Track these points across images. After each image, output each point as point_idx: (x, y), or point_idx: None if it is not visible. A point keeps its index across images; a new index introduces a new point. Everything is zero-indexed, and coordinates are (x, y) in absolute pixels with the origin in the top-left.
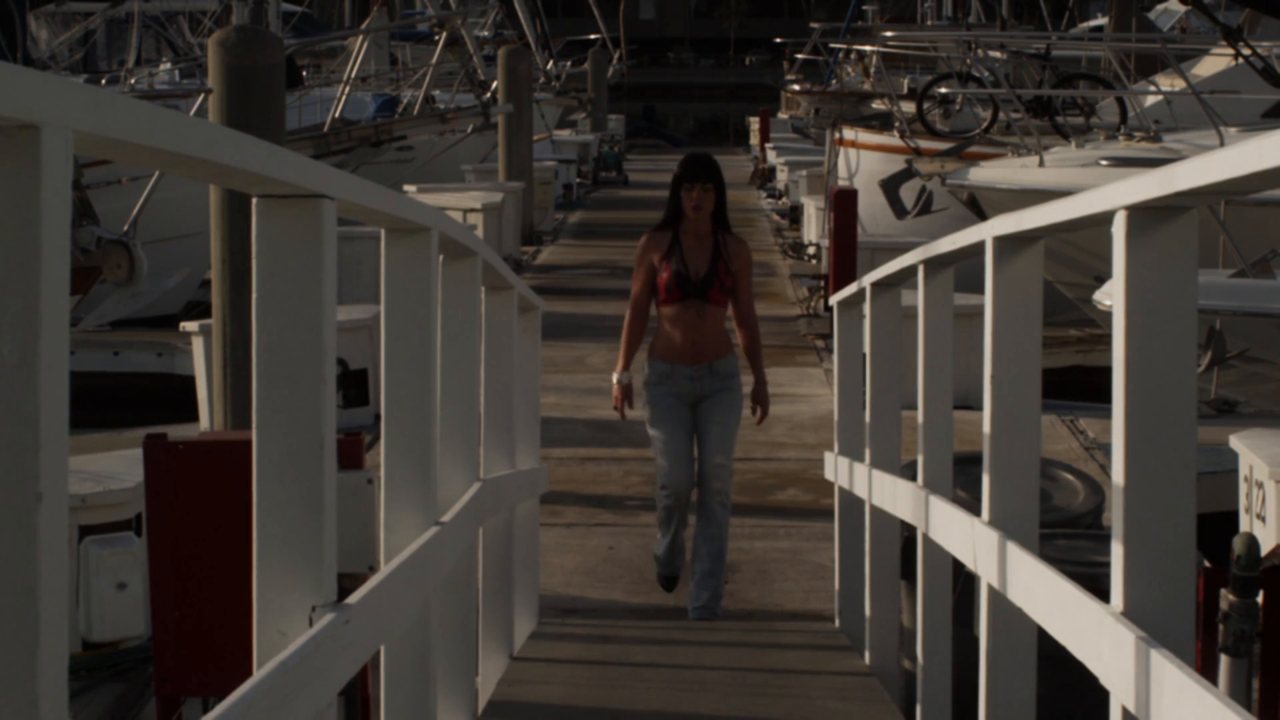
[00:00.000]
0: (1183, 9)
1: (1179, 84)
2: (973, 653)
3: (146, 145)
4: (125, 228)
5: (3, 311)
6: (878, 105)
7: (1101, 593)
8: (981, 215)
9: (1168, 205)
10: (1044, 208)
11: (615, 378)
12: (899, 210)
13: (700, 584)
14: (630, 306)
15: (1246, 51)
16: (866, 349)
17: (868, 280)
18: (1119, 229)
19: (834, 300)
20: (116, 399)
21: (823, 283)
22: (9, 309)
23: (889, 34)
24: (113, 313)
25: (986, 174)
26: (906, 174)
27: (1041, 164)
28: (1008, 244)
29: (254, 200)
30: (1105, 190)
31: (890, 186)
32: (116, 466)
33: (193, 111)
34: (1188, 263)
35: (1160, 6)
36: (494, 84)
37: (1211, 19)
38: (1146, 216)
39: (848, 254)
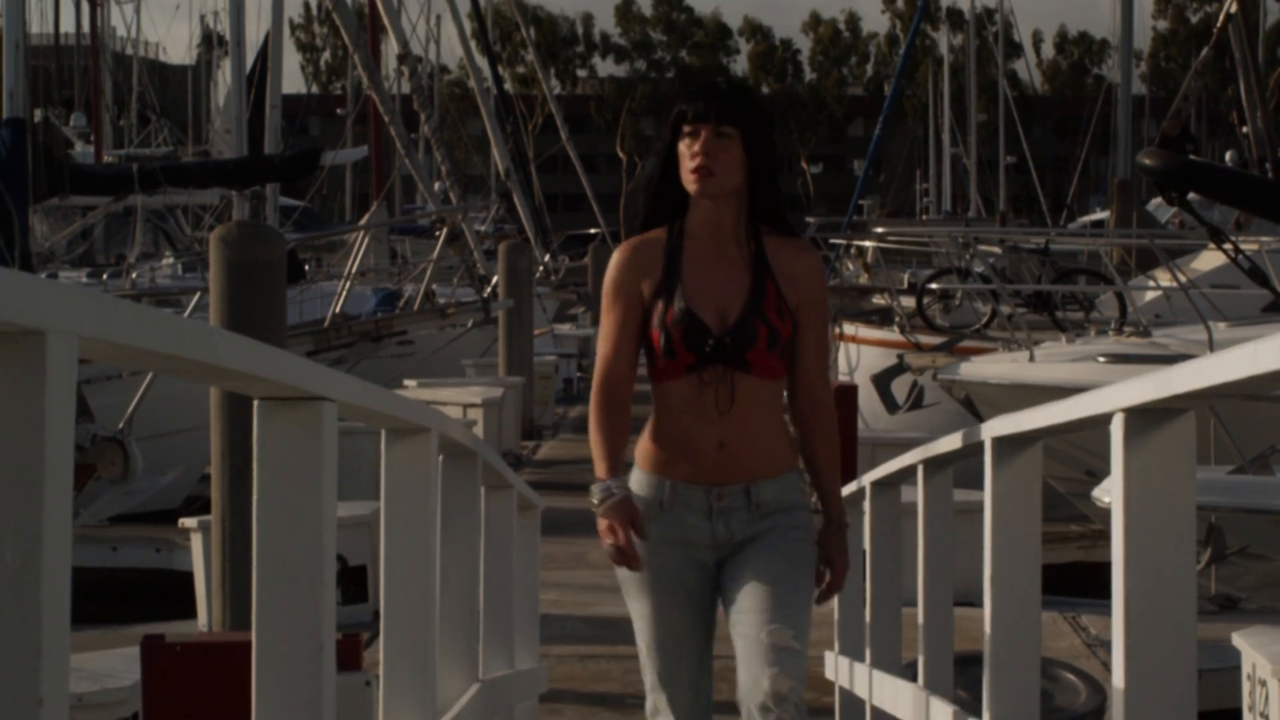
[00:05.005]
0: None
1: (1181, 278)
2: None
3: (150, 350)
4: (121, 425)
5: (5, 516)
6: (878, 300)
7: None
8: (975, 412)
9: (1165, 407)
10: (1043, 409)
11: (596, 492)
12: (890, 405)
13: None
14: (598, 382)
15: (1232, 251)
16: (866, 547)
17: (868, 479)
18: (1117, 430)
19: None
20: (114, 594)
21: None
22: (12, 514)
23: (886, 230)
24: (107, 510)
25: (977, 369)
26: (898, 369)
27: (1032, 359)
28: (1007, 444)
29: (255, 402)
30: (1103, 393)
31: (881, 381)
32: (114, 664)
33: (190, 309)
34: (1186, 463)
35: (1155, 201)
36: (494, 279)
37: (1197, 218)
38: (1144, 418)
39: (848, 450)
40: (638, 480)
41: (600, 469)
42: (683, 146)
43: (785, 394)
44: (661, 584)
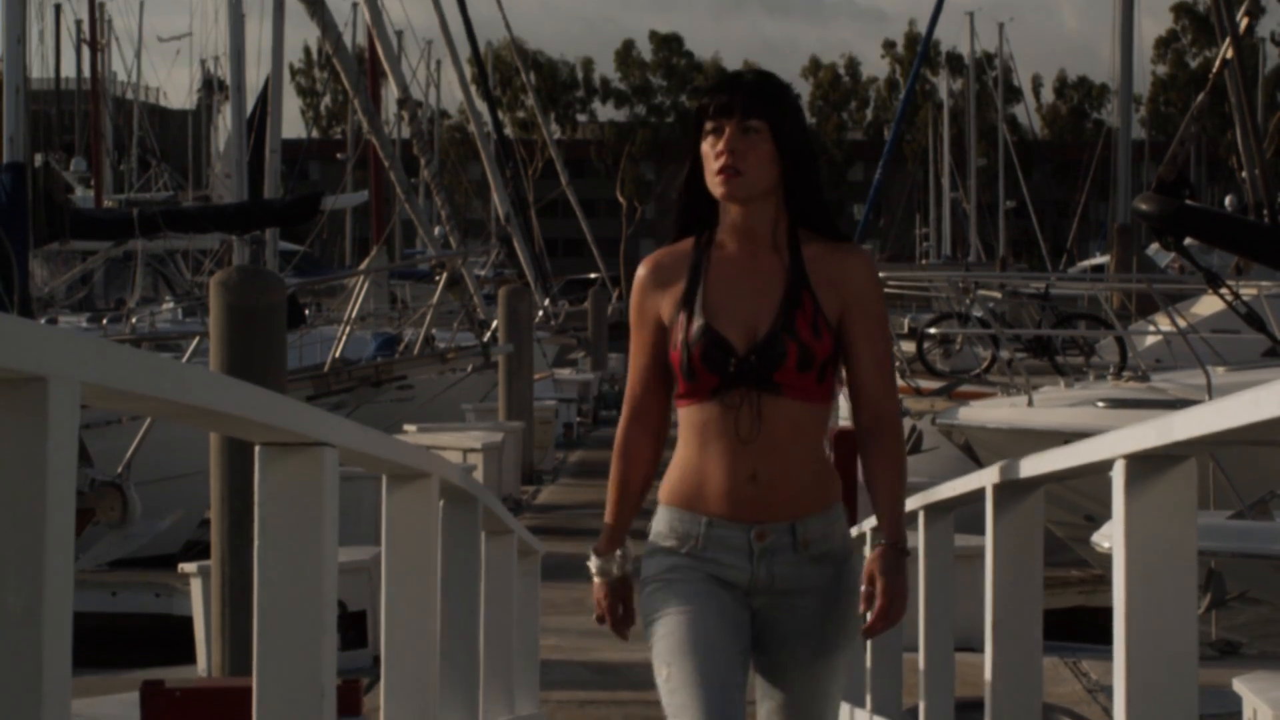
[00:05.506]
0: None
1: (1181, 323)
2: None
3: (152, 396)
4: (120, 469)
5: (7, 563)
6: None
7: None
8: (975, 457)
9: (1166, 454)
10: (1044, 455)
11: (594, 564)
12: None
13: None
14: (624, 415)
15: (1229, 296)
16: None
17: (868, 525)
18: (1118, 477)
19: None
20: (114, 639)
21: None
22: (14, 560)
23: (886, 275)
24: (105, 554)
25: (976, 414)
26: None
27: (1031, 404)
28: (1008, 491)
29: (256, 448)
30: (1105, 439)
31: None
32: (113, 710)
33: (189, 353)
34: (1186, 509)
35: (1155, 246)
36: (494, 323)
37: (1193, 263)
38: (1145, 464)
39: (849, 495)
40: (666, 520)
41: (604, 533)
42: (706, 147)
43: (830, 418)
44: (694, 602)
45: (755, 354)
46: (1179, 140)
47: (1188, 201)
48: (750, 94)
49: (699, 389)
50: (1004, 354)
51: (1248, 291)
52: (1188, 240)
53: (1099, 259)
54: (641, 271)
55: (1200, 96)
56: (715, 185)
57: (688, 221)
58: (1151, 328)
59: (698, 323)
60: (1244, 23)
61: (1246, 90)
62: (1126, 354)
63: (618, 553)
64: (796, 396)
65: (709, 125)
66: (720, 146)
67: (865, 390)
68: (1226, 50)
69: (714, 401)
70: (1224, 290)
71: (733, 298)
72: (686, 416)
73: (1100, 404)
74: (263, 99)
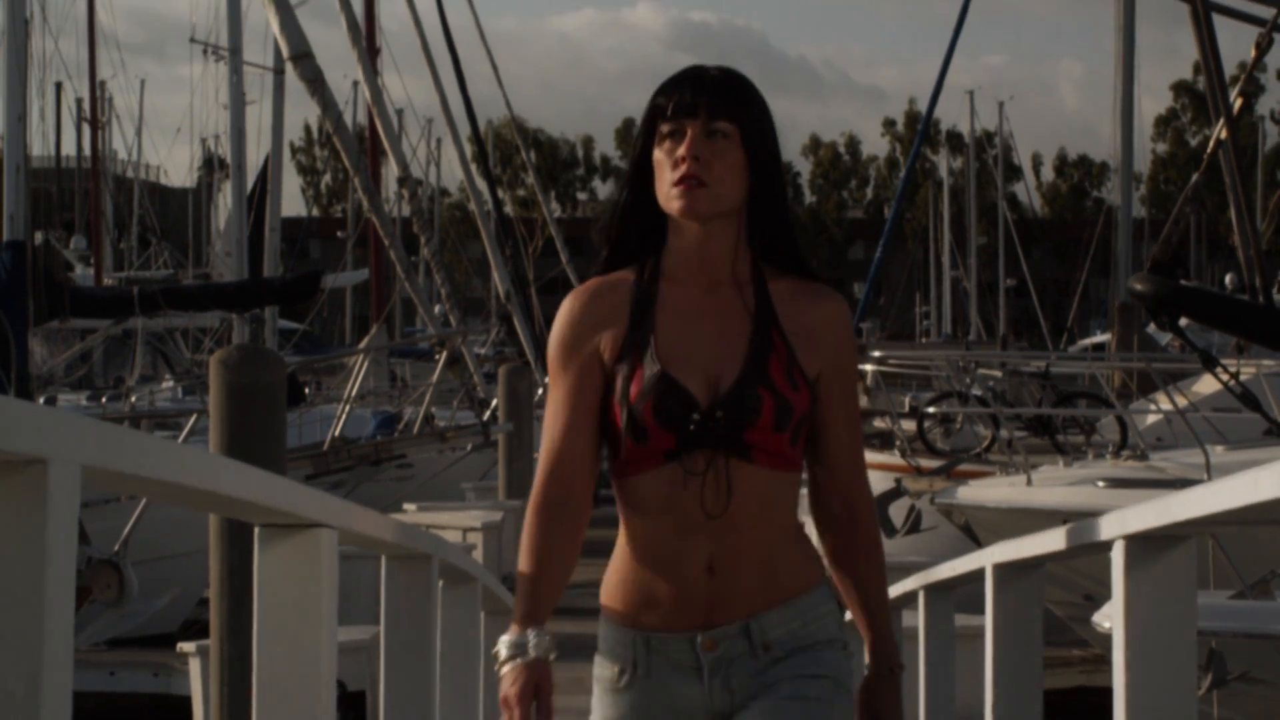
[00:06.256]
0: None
1: (1182, 401)
2: None
3: (152, 479)
4: (116, 547)
5: (7, 647)
6: (878, 424)
7: None
8: (974, 536)
9: (1165, 535)
10: (1044, 535)
11: (502, 649)
12: (888, 530)
13: None
14: (538, 481)
15: (1224, 377)
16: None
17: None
18: (1118, 557)
19: None
20: (112, 719)
21: None
22: (13, 644)
23: (886, 354)
24: (102, 633)
25: (974, 493)
26: (895, 493)
27: (1029, 483)
28: (1008, 571)
29: (256, 529)
30: (1104, 520)
31: (879, 505)
32: None
33: (185, 432)
34: (1187, 590)
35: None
36: (494, 402)
37: (1189, 343)
38: (1145, 545)
39: None
40: (605, 638)
41: (517, 612)
42: (660, 154)
43: (805, 492)
44: None
45: (722, 407)
46: (1173, 220)
47: (1183, 281)
48: (719, 91)
49: (647, 454)
50: (1004, 433)
51: (1248, 370)
52: (1183, 320)
53: (1100, 337)
54: (570, 304)
55: (1195, 177)
56: (671, 199)
57: (625, 247)
58: (1152, 406)
59: (650, 369)
60: (1238, 103)
61: (1245, 169)
62: (1127, 433)
63: (530, 632)
64: (769, 463)
65: (665, 127)
66: (681, 151)
67: (837, 468)
68: (1221, 130)
69: (666, 469)
70: (1220, 370)
71: (690, 340)
72: (629, 492)
73: (1100, 483)
74: (263, 177)
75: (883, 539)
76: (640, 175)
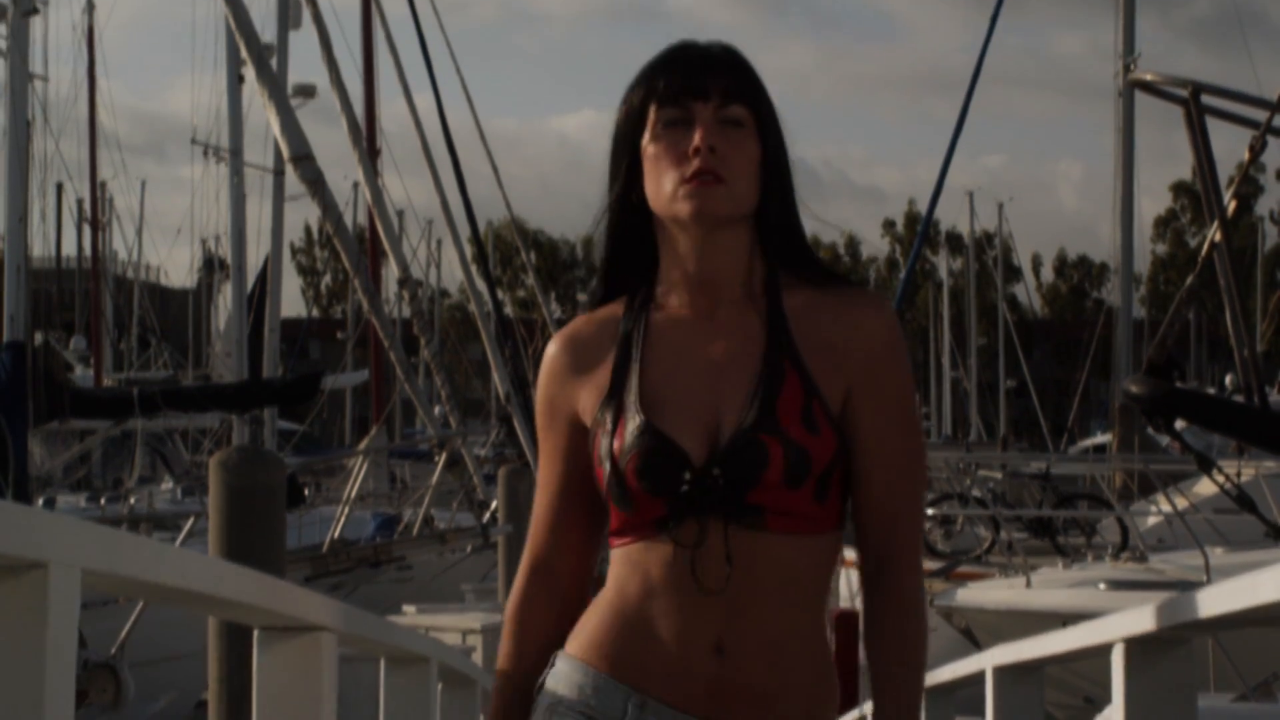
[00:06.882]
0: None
1: (1183, 503)
2: None
3: (152, 582)
4: (114, 650)
5: None
6: None
7: None
8: (974, 640)
9: (1165, 637)
10: (1044, 638)
11: None
12: None
13: None
14: (523, 566)
15: (1221, 479)
16: None
17: (868, 708)
18: (1118, 659)
19: None
20: None
21: None
22: None
23: None
24: None
25: (974, 595)
26: None
27: (1029, 585)
28: (1008, 673)
29: (255, 631)
30: (1104, 622)
31: None
32: None
33: (184, 534)
34: (1187, 692)
35: None
36: (494, 504)
37: (1185, 446)
38: (1145, 647)
39: (849, 678)
40: (573, 681)
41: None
42: (655, 148)
43: (838, 559)
44: None
45: (720, 464)
46: (1168, 322)
47: (1178, 383)
48: (732, 70)
49: (637, 521)
50: (1004, 535)
51: (1248, 472)
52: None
53: (1100, 438)
54: (552, 351)
55: (1190, 279)
56: (679, 199)
57: (619, 273)
58: (1153, 508)
59: (633, 421)
60: (1232, 205)
61: (1245, 269)
62: (1128, 534)
63: None
64: (785, 526)
65: (667, 113)
66: (696, 142)
67: (871, 511)
68: (1215, 233)
69: (660, 539)
70: (1217, 472)
71: (682, 379)
72: (621, 560)
73: (1100, 585)
74: (263, 277)
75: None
76: (629, 185)
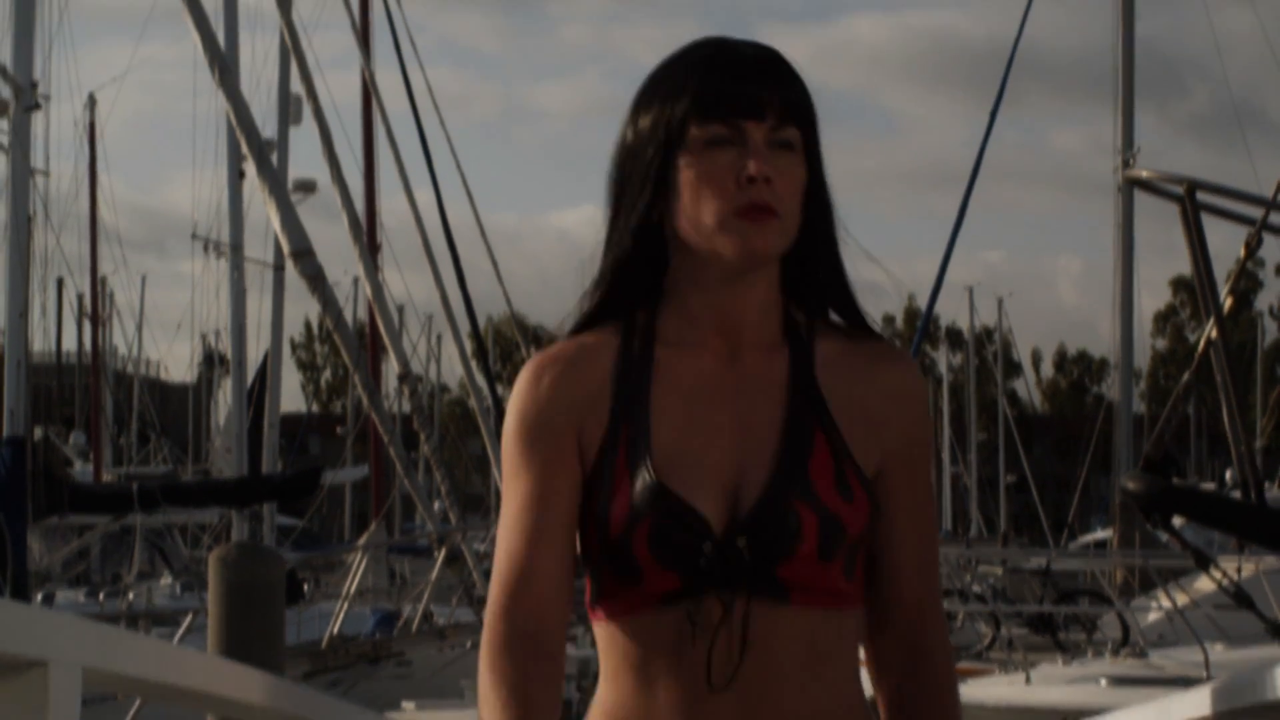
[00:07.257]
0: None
1: (1183, 599)
2: None
3: (152, 680)
4: None
5: None
6: None
7: None
8: None
9: None
10: None
11: None
12: None
13: None
14: (492, 610)
15: (1219, 575)
16: None
17: None
18: None
19: None
20: None
21: None
22: None
23: None
24: None
25: (973, 691)
26: None
27: (1029, 681)
28: None
29: None
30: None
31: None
32: None
33: (181, 631)
34: None
35: None
36: None
37: (1183, 543)
38: None
39: None
40: None
41: None
42: (699, 172)
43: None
44: None
45: (744, 533)
46: (1165, 419)
47: (1176, 480)
48: (785, 84)
49: (639, 596)
50: (1004, 631)
51: (1249, 568)
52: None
53: (1101, 534)
54: (535, 376)
55: (1186, 376)
56: (726, 234)
57: (619, 297)
58: (1154, 604)
59: (643, 480)
60: (1229, 302)
61: (1245, 364)
62: (1129, 630)
63: None
64: (814, 602)
65: (713, 130)
66: (751, 170)
67: (899, 584)
68: (1211, 329)
69: (667, 617)
70: (1214, 570)
71: (700, 433)
72: (613, 638)
73: (1100, 681)
74: (262, 373)
75: None
76: (659, 197)
